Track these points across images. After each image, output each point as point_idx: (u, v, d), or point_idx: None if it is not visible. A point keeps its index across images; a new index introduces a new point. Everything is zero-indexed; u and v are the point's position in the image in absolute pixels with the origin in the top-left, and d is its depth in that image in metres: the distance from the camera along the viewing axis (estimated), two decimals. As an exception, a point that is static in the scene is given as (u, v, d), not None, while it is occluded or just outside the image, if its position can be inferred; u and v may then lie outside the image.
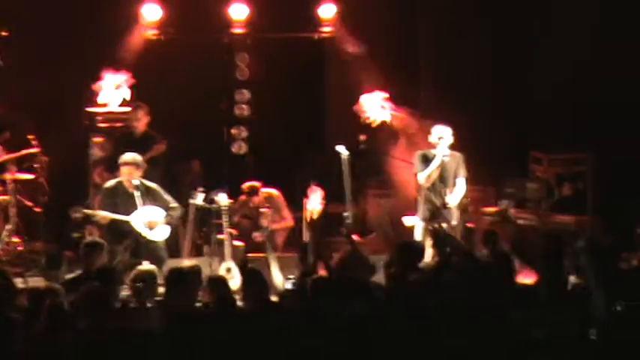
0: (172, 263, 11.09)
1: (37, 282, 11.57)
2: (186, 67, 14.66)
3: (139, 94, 13.72)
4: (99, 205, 11.88)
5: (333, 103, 15.60)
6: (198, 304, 8.70)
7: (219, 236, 12.21)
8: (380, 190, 14.64)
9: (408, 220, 12.84)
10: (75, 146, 13.80)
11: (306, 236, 12.76)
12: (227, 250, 12.03)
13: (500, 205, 13.59)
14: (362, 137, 13.96)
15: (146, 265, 9.66)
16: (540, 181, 14.30)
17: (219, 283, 8.78)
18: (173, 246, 12.22)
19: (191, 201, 12.15)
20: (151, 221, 11.55)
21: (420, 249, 10.07)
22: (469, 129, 12.96)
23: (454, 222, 12.18)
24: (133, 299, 8.73)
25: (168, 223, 11.72)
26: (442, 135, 12.16)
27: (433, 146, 12.21)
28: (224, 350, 7.54)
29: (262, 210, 12.96)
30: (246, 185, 13.26)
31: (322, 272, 10.19)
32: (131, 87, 13.78)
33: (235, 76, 15.08)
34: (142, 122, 13.13)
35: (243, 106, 15.08)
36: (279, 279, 10.26)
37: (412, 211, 12.59)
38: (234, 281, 11.07)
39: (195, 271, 9.12)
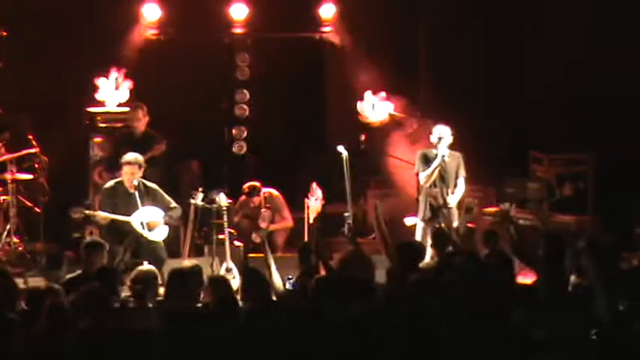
0: (172, 263, 11.08)
1: (37, 282, 11.56)
2: (187, 67, 14.65)
3: (139, 94, 13.73)
4: (99, 205, 11.87)
5: (334, 103, 15.60)
6: (199, 305, 8.69)
7: (220, 236, 12.21)
8: (380, 190, 14.64)
9: (408, 220, 12.84)
10: (75, 146, 13.81)
11: (306, 236, 12.77)
12: (227, 251, 12.03)
13: (502, 206, 13.56)
14: (362, 137, 13.95)
15: (146, 266, 9.64)
16: (541, 181, 14.29)
17: (221, 283, 8.77)
18: (173, 246, 12.21)
19: (191, 201, 12.14)
20: (150, 221, 11.54)
21: (420, 249, 10.05)
22: (469, 129, 12.96)
23: (455, 222, 12.18)
24: (134, 299, 8.71)
25: (167, 224, 11.71)
26: (442, 135, 12.16)
27: (434, 146, 12.21)
28: (225, 350, 7.54)
29: (261, 211, 12.96)
30: (246, 185, 13.26)
31: (322, 272, 10.17)
32: (131, 87, 13.78)
33: (236, 76, 15.07)
34: (142, 122, 13.12)
35: (244, 106, 15.08)
36: (278, 279, 10.24)
37: (413, 211, 12.59)
38: (235, 281, 11.07)
39: (196, 271, 9.11)
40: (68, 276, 10.01)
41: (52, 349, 7.46)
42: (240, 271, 11.44)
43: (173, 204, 11.84)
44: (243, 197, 13.23)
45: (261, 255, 11.57)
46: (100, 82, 13.75)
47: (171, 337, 7.56)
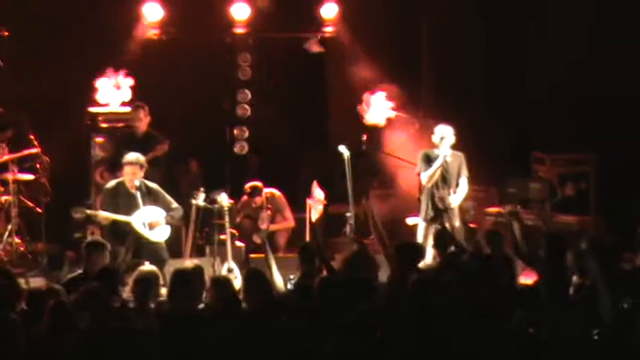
0: (174, 264, 11.07)
1: (38, 282, 11.55)
2: (188, 67, 14.64)
3: (141, 94, 13.72)
4: (100, 205, 11.86)
5: (335, 103, 15.59)
6: (202, 305, 8.68)
7: (221, 237, 12.19)
8: (382, 190, 14.63)
9: (410, 220, 12.83)
10: (76, 146, 13.79)
11: (308, 236, 12.76)
12: (229, 251, 12.02)
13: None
14: (364, 137, 13.94)
15: (148, 266, 9.63)
16: (543, 182, 14.28)
17: (224, 283, 8.76)
18: (175, 246, 12.20)
19: (193, 201, 12.13)
20: (151, 222, 11.53)
21: (419, 249, 10.04)
22: (471, 129, 12.96)
23: (457, 222, 12.16)
24: (135, 300, 8.70)
25: (168, 224, 11.70)
26: (444, 135, 12.14)
27: (435, 146, 12.20)
28: (227, 351, 7.53)
29: (262, 212, 12.96)
30: (248, 185, 13.25)
31: (324, 273, 10.17)
32: (132, 87, 13.77)
33: (237, 76, 15.06)
34: (143, 122, 13.11)
35: (245, 106, 15.06)
36: (280, 280, 10.24)
37: (414, 211, 12.58)
38: (236, 282, 11.06)
39: (198, 272, 9.10)
40: (69, 276, 10.01)
41: (54, 349, 7.45)
42: (243, 272, 11.43)
43: (174, 204, 11.82)
44: (245, 197, 13.23)
45: (263, 255, 11.58)
46: (101, 82, 13.74)
47: (172, 337, 7.55)
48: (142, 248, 11.40)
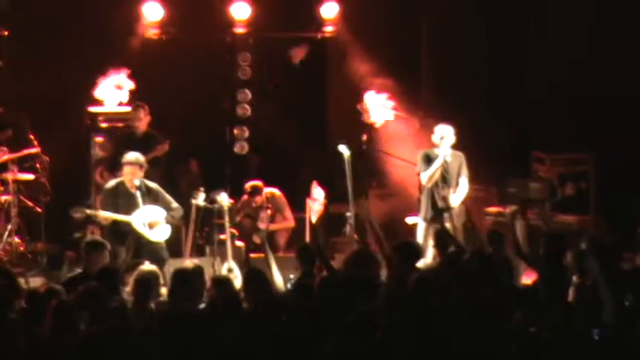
0: (174, 263, 11.07)
1: (38, 282, 11.55)
2: (188, 66, 14.65)
3: (141, 93, 13.71)
4: (100, 205, 11.86)
5: (335, 102, 15.59)
6: (203, 305, 8.68)
7: (221, 236, 12.19)
8: (382, 189, 14.63)
9: (410, 220, 12.83)
10: (76, 146, 13.80)
11: (308, 236, 12.76)
12: (229, 250, 12.02)
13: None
14: (364, 137, 13.94)
15: (148, 266, 9.63)
16: (543, 181, 14.28)
17: (225, 283, 8.76)
18: (175, 246, 12.20)
19: (192, 201, 12.13)
20: (151, 221, 11.53)
21: (417, 248, 10.04)
22: (471, 128, 12.95)
23: (457, 222, 12.15)
24: (135, 299, 8.70)
25: (168, 224, 11.70)
26: (444, 134, 12.14)
27: (436, 146, 12.19)
28: (228, 350, 7.52)
29: (262, 211, 12.96)
30: (248, 185, 13.26)
31: (324, 273, 10.16)
32: (132, 87, 13.77)
33: (237, 76, 15.05)
34: (143, 122, 13.11)
35: (245, 105, 15.06)
36: (280, 279, 10.24)
37: (414, 210, 12.57)
38: (236, 281, 11.06)
39: (198, 271, 9.10)
40: (68, 275, 10.01)
41: (55, 349, 7.44)
42: (243, 271, 11.43)
43: (174, 204, 11.82)
44: (245, 197, 13.23)
45: (263, 255, 11.58)
46: (101, 82, 13.73)
47: (172, 337, 7.54)
48: (142, 248, 11.40)
